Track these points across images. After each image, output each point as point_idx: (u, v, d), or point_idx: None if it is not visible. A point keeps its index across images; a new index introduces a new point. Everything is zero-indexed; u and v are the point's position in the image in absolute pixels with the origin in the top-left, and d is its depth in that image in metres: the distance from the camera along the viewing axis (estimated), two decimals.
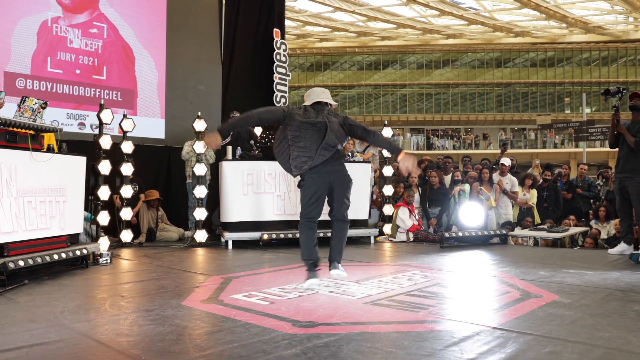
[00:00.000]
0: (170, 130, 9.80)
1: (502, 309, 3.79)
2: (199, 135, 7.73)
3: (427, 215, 9.09)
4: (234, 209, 7.42)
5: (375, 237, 8.11)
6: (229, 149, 7.80)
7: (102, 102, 7.22)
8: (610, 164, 19.60)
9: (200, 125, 7.71)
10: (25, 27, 8.17)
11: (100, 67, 8.99)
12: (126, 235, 7.59)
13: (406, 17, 36.15)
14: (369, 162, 8.58)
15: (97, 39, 8.96)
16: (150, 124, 9.53)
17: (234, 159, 7.64)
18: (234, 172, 7.41)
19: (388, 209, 8.52)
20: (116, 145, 7.41)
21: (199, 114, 7.84)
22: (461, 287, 4.81)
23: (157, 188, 8.92)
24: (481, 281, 5.06)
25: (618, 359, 2.73)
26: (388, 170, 8.52)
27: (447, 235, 7.58)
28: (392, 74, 43.83)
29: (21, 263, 4.76)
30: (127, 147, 7.62)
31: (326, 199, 4.54)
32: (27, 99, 5.30)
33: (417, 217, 8.63)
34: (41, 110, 5.42)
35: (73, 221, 5.87)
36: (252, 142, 8.15)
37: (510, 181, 9.11)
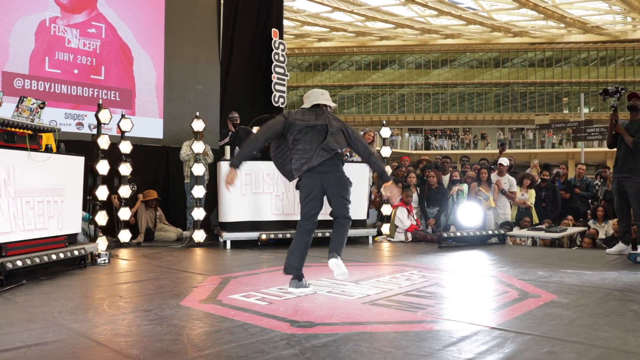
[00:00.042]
0: (168, 130, 9.79)
1: (500, 309, 3.79)
2: (197, 135, 7.72)
3: (425, 215, 9.10)
4: (232, 209, 7.42)
5: (373, 237, 8.11)
6: (227, 149, 7.80)
7: (100, 102, 7.20)
8: (608, 164, 19.59)
9: (198, 125, 7.71)
10: (23, 26, 8.16)
11: (98, 67, 8.98)
12: (124, 235, 7.58)
13: (404, 17, 36.17)
14: None
15: (95, 38, 8.94)
16: (148, 124, 9.52)
17: (232, 158, 7.62)
18: None
19: (386, 209, 8.53)
20: (114, 145, 7.40)
21: (197, 114, 7.83)
22: (459, 287, 4.82)
23: (156, 188, 8.91)
24: (479, 281, 5.06)
25: (616, 359, 2.74)
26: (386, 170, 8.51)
27: (445, 235, 7.59)
28: (391, 74, 43.85)
29: (19, 263, 4.75)
30: (125, 147, 7.61)
31: (325, 199, 4.52)
32: (25, 99, 5.30)
33: (415, 217, 8.63)
34: (39, 110, 5.41)
35: (71, 221, 5.87)
36: None
37: (508, 181, 9.12)
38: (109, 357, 2.77)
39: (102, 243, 6.53)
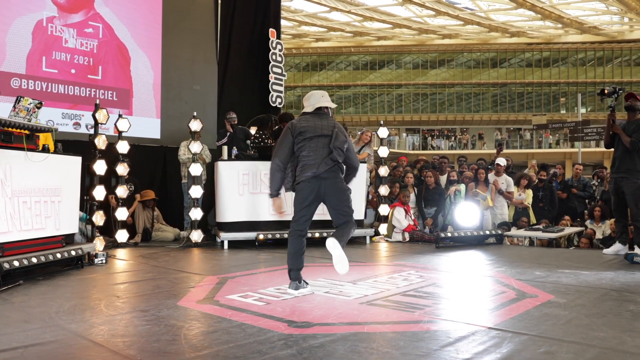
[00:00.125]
0: (165, 130, 9.78)
1: (498, 309, 3.80)
2: (194, 135, 7.71)
3: (422, 216, 9.10)
4: (229, 209, 7.41)
5: (371, 237, 8.11)
6: (225, 149, 7.78)
7: (98, 102, 7.19)
8: (605, 164, 19.68)
9: (195, 125, 7.70)
10: (20, 26, 8.14)
11: (95, 66, 8.97)
12: (121, 236, 7.57)
13: (402, 17, 36.21)
14: (364, 162, 8.58)
15: (92, 38, 8.93)
16: (145, 124, 9.50)
17: (229, 159, 7.63)
18: (229, 172, 7.41)
19: (384, 209, 8.53)
20: (111, 145, 7.39)
21: (195, 114, 7.82)
22: (457, 287, 4.82)
23: (153, 188, 8.90)
24: (477, 281, 5.06)
25: (613, 359, 2.74)
26: (384, 170, 8.53)
27: (442, 235, 7.59)
28: (388, 74, 43.89)
29: (16, 263, 4.74)
30: (123, 147, 7.60)
31: (323, 206, 4.48)
32: (22, 99, 5.28)
33: (412, 217, 8.64)
34: (36, 110, 5.40)
35: (68, 221, 5.86)
36: (248, 142, 8.14)
37: (505, 181, 9.13)
38: (107, 358, 2.76)
39: (99, 243, 6.52)
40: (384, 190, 8.52)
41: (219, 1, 10.84)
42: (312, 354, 2.76)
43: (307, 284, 4.38)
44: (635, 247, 6.28)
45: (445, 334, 3.13)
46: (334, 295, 4.22)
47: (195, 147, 7.68)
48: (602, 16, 36.77)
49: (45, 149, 5.58)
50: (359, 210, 7.99)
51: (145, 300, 4.06)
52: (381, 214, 8.55)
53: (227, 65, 10.67)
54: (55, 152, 5.74)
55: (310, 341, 2.99)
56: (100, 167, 6.87)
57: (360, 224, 8.08)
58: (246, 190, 7.42)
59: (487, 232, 7.99)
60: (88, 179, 6.98)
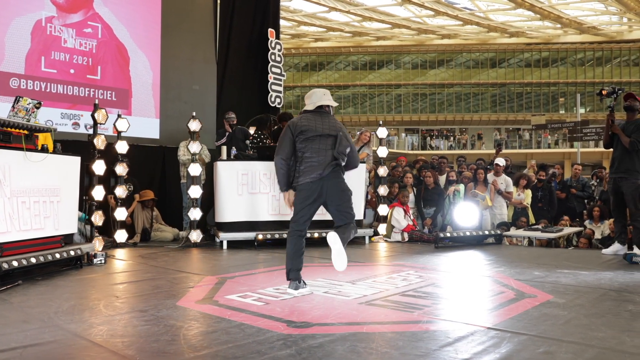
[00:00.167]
0: (165, 130, 9.78)
1: (497, 309, 3.80)
2: (193, 136, 7.71)
3: (422, 216, 9.11)
4: (228, 209, 7.41)
5: (370, 237, 8.12)
6: (224, 149, 7.78)
7: (97, 102, 7.19)
8: (604, 164, 19.66)
9: (194, 125, 7.70)
10: (19, 26, 8.14)
11: (94, 66, 8.96)
12: (120, 236, 7.57)
13: (401, 17, 36.21)
14: (363, 162, 8.58)
15: (91, 38, 8.92)
16: (144, 124, 9.50)
17: (228, 159, 7.63)
18: (228, 172, 7.41)
19: (383, 209, 8.53)
20: (110, 145, 7.39)
21: (194, 114, 7.82)
22: (456, 287, 4.82)
23: (152, 188, 8.90)
24: (476, 281, 5.07)
25: (612, 359, 2.74)
26: (383, 171, 8.53)
27: (441, 235, 7.59)
28: (387, 74, 43.89)
29: (15, 263, 4.73)
30: (122, 147, 7.59)
31: (324, 208, 4.48)
32: (20, 99, 5.28)
33: (412, 217, 8.64)
34: (35, 110, 5.40)
35: (67, 221, 5.85)
36: (247, 142, 8.14)
37: (504, 181, 9.13)
38: (105, 358, 2.76)
39: (98, 243, 6.51)
40: (383, 190, 8.53)
41: (218, 1, 10.84)
42: (311, 354, 2.76)
43: (305, 284, 4.38)
44: (634, 247, 6.28)
45: (444, 334, 3.13)
46: (333, 295, 4.22)
47: (195, 147, 7.68)
48: (601, 16, 36.80)
49: (44, 149, 5.58)
50: (358, 210, 7.97)
51: (144, 301, 4.06)
52: (380, 214, 8.55)
53: (226, 65, 10.67)
54: (54, 152, 5.74)
55: (309, 341, 2.99)
56: (99, 167, 6.86)
57: (359, 224, 8.07)
58: (245, 190, 7.42)
59: (486, 232, 8.00)
60: (87, 179, 6.98)
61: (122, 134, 7.63)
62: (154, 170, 9.61)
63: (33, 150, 5.38)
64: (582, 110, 36.22)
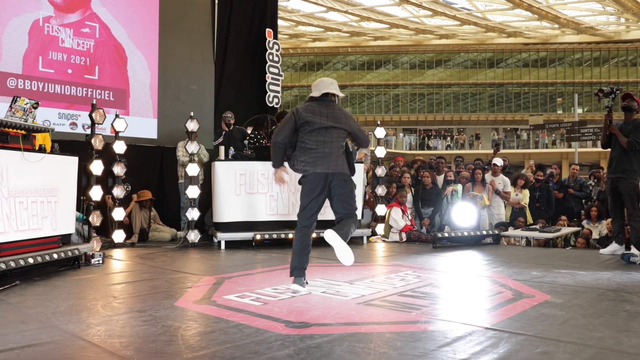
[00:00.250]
0: (162, 130, 9.77)
1: (495, 309, 3.80)
2: (191, 136, 7.71)
3: (419, 216, 9.11)
4: (226, 209, 7.41)
5: (368, 237, 8.12)
6: (222, 149, 7.78)
7: (94, 102, 7.17)
8: (602, 164, 19.72)
9: (192, 125, 7.69)
10: (16, 26, 8.12)
11: (92, 66, 8.95)
12: (118, 236, 7.56)
13: (399, 17, 36.19)
14: (361, 162, 8.58)
15: (89, 38, 8.91)
16: (142, 124, 9.50)
17: (226, 159, 7.62)
18: (226, 172, 7.40)
19: (381, 209, 8.53)
20: (108, 145, 7.38)
21: (192, 114, 7.82)
22: (454, 288, 4.82)
23: (150, 188, 8.89)
24: (474, 281, 5.07)
25: (609, 359, 2.75)
26: (381, 171, 8.53)
27: (439, 235, 7.59)
28: (385, 74, 43.90)
29: (12, 264, 4.73)
30: (120, 147, 7.59)
31: (328, 201, 4.49)
32: (18, 99, 5.28)
33: (409, 217, 8.64)
34: (33, 110, 5.39)
35: (65, 221, 5.84)
36: (245, 142, 8.14)
37: (502, 181, 9.14)
38: (103, 358, 2.76)
39: (96, 243, 6.50)
40: (381, 190, 8.52)
41: (216, 1, 10.84)
42: (309, 354, 2.75)
43: (307, 283, 4.39)
44: (632, 247, 6.29)
45: (443, 334, 3.13)
46: (331, 296, 4.22)
47: (192, 147, 7.67)
48: (598, 16, 36.82)
49: (41, 149, 5.57)
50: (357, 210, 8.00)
51: (142, 301, 4.05)
52: (378, 214, 8.55)
53: (224, 65, 10.66)
54: (51, 152, 5.73)
55: (307, 341, 2.99)
56: (97, 167, 6.85)
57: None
58: (243, 191, 7.42)
59: (484, 232, 8.00)
60: (85, 179, 6.96)
61: (120, 134, 7.62)
62: (152, 170, 9.60)
63: (30, 150, 5.38)
64: (579, 111, 36.29)
